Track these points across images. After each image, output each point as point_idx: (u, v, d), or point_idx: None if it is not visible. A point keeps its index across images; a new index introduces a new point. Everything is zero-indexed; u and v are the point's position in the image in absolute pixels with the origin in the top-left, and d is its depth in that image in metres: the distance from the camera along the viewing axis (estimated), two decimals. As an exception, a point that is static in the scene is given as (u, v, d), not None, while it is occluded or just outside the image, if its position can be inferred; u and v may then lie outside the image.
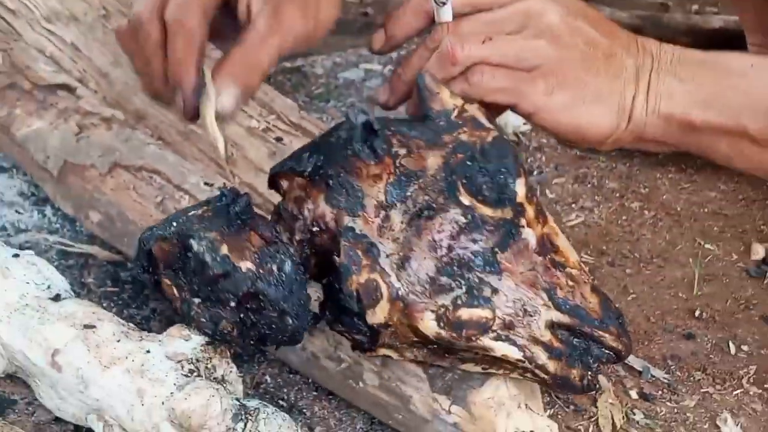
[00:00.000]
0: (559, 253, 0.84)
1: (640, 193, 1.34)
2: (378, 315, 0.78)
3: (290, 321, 0.80)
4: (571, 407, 0.99)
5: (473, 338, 0.78)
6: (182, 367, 0.84)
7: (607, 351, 0.81)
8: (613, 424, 0.97)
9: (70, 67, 1.24)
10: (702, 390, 1.03)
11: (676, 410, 1.00)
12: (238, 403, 0.81)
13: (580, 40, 0.87)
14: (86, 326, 0.88)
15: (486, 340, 0.78)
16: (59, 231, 1.19)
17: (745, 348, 1.09)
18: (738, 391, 1.03)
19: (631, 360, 1.05)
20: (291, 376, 1.00)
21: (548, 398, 0.99)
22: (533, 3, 0.87)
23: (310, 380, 0.99)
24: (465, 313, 0.78)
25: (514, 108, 0.88)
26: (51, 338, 0.88)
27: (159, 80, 0.89)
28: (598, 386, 0.87)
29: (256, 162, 1.11)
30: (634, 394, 1.02)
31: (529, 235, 0.82)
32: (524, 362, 0.80)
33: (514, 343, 0.79)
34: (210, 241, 0.79)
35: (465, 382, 0.86)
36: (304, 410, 0.96)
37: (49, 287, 0.95)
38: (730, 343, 1.09)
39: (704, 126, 0.88)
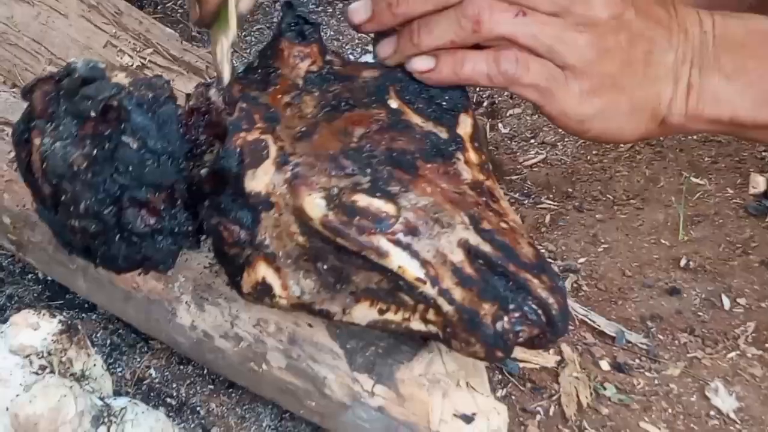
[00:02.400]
0: (498, 205, 0.83)
1: (612, 123, 1.33)
2: (259, 180, 0.79)
3: (152, 163, 0.80)
4: (528, 385, 0.99)
5: (367, 232, 0.76)
6: (30, 363, 0.83)
7: (534, 306, 0.79)
8: (579, 402, 0.97)
9: None
10: (689, 355, 1.03)
11: (656, 381, 1.00)
12: (100, 402, 0.80)
13: (623, 37, 0.85)
14: None
15: (382, 240, 0.76)
16: None
17: (741, 302, 1.09)
18: (733, 353, 1.03)
19: (602, 324, 1.05)
20: (181, 367, 1.00)
21: (499, 376, 1.00)
22: None
23: (204, 371, 0.99)
24: (362, 200, 0.77)
25: (537, 106, 0.89)
26: None
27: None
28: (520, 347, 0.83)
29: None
30: (605, 365, 1.02)
31: (464, 170, 0.83)
32: (425, 284, 0.77)
33: (416, 256, 0.77)
34: (91, 61, 0.83)
35: (390, 356, 0.85)
36: (198, 408, 0.96)
37: None
38: (724, 297, 1.10)
39: (756, 125, 0.90)
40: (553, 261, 1.13)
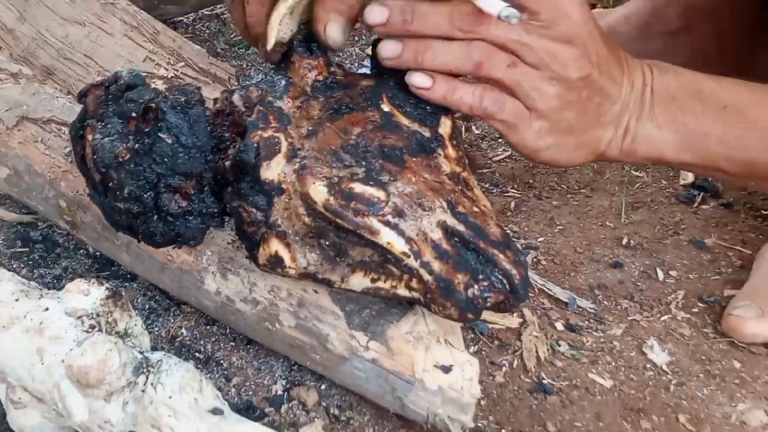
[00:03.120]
0: (472, 192, 0.84)
1: (566, 125, 1.33)
2: (272, 170, 0.80)
3: (184, 155, 0.82)
4: (496, 342, 0.99)
5: (361, 214, 0.78)
6: (82, 323, 0.82)
7: (500, 276, 0.80)
8: (538, 356, 0.98)
9: None
10: (629, 318, 1.03)
11: (602, 339, 1.00)
12: (140, 356, 0.79)
13: (585, 93, 0.88)
14: (-18, 287, 0.86)
15: (373, 221, 0.78)
16: (-34, 194, 1.17)
17: (673, 273, 1.10)
18: (665, 317, 1.04)
19: (557, 292, 1.06)
20: (208, 327, 0.99)
21: (472, 335, 1.00)
22: (563, 49, 0.85)
23: (227, 330, 0.98)
24: (358, 187, 0.78)
25: (500, 133, 0.90)
26: (-54, 301, 0.86)
27: (242, 32, 0.96)
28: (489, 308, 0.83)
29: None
30: (559, 326, 1.02)
31: (443, 163, 0.84)
32: (409, 257, 0.78)
33: (402, 234, 0.78)
34: (134, 70, 0.87)
35: (383, 317, 0.86)
36: (221, 361, 0.96)
37: (-55, 249, 0.93)
38: (658, 270, 1.10)
39: (678, 163, 0.95)
40: (516, 239, 1.13)
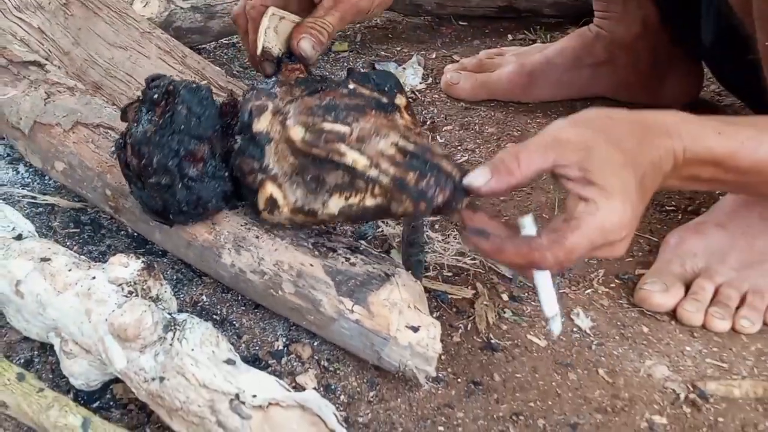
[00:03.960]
0: (421, 136, 0.88)
1: (513, 136, 1.34)
2: (262, 123, 0.86)
3: (195, 121, 0.87)
4: (454, 309, 1.00)
5: (330, 141, 0.82)
6: (122, 289, 0.82)
7: (444, 175, 0.80)
8: (487, 321, 0.98)
9: (38, 48, 1.24)
10: (560, 291, 1.03)
11: (538, 308, 0.99)
12: (169, 316, 0.80)
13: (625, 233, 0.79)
14: (42, 259, 0.86)
15: (341, 145, 0.82)
16: (30, 185, 1.17)
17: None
18: (589, 290, 1.04)
19: (503, 269, 1.06)
20: (223, 294, 0.99)
21: (435, 303, 1.00)
22: (614, 222, 0.76)
23: (239, 297, 0.98)
24: (327, 125, 0.84)
25: None
26: (14, 271, 0.86)
27: (250, 58, 1.06)
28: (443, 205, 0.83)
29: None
30: (505, 296, 1.02)
31: (399, 120, 0.87)
32: (370, 168, 0.82)
33: (363, 153, 0.82)
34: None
35: (365, 287, 0.86)
36: (234, 322, 0.96)
37: (13, 229, 0.93)
38: (584, 253, 1.09)
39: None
40: (472, 228, 1.13)
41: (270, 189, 0.85)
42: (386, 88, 0.89)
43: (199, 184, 0.88)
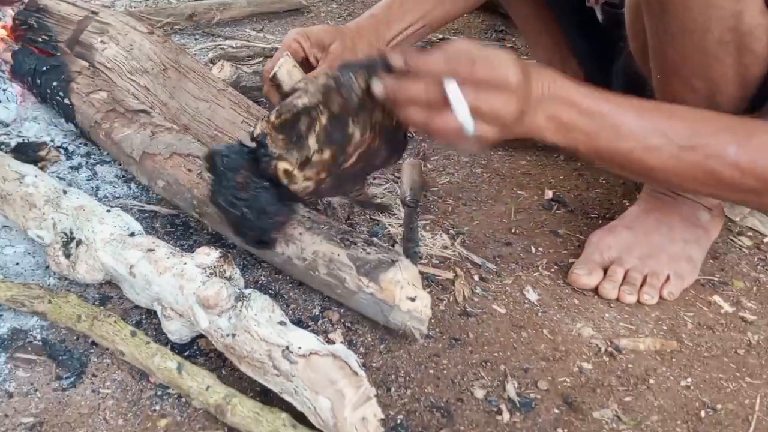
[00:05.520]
0: None
1: (481, 164, 1.33)
2: (257, 129, 0.78)
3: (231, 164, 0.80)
4: (440, 287, 0.98)
5: (289, 104, 0.75)
6: (205, 271, 0.81)
7: (357, 64, 0.73)
8: (464, 295, 0.97)
9: (145, 100, 1.23)
10: (515, 274, 1.02)
11: (500, 286, 1.00)
12: (238, 291, 0.79)
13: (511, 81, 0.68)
14: (149, 250, 0.85)
15: (296, 101, 0.75)
16: (139, 197, 1.16)
17: (540, 249, 1.09)
18: (536, 273, 1.03)
19: (475, 259, 1.05)
20: (276, 275, 0.98)
21: (427, 282, 0.99)
22: (499, 54, 0.67)
23: (288, 277, 0.97)
24: (287, 100, 0.76)
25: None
26: (129, 258, 0.86)
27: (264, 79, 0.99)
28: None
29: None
30: (476, 278, 1.01)
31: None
32: (312, 98, 0.74)
33: (307, 93, 0.74)
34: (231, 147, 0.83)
35: (378, 269, 0.85)
36: (284, 295, 0.95)
37: (128, 229, 0.92)
38: (532, 247, 1.09)
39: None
40: (452, 227, 1.11)
41: (280, 165, 0.77)
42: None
43: (253, 200, 0.82)
